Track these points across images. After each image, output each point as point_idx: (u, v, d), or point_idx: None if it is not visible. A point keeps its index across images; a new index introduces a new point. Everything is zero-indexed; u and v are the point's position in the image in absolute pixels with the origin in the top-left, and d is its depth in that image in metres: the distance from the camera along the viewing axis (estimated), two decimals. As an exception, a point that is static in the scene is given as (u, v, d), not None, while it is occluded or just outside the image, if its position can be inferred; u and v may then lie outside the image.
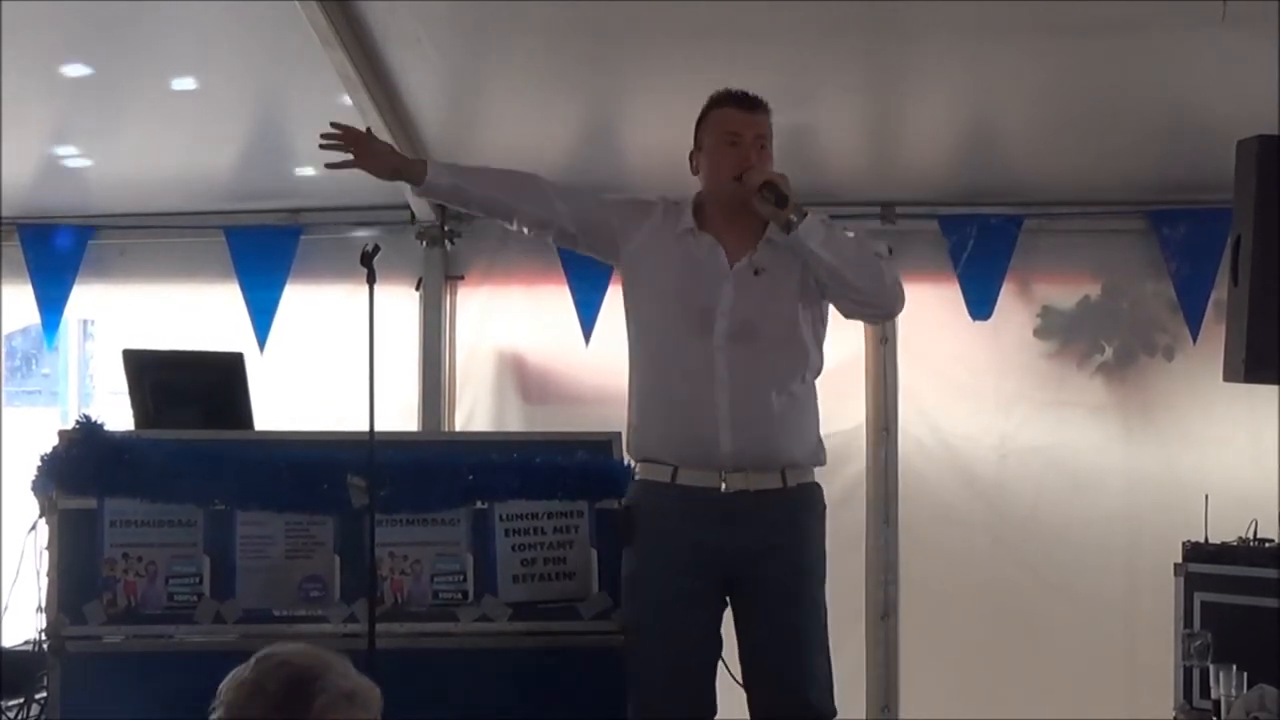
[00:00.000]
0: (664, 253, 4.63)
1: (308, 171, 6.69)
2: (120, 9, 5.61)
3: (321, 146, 4.67)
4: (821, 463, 4.69)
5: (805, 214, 4.45)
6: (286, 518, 5.11)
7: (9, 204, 6.86)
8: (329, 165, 4.78)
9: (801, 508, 4.62)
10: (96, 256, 7.10)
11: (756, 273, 4.56)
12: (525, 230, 4.82)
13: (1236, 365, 5.42)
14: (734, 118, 4.61)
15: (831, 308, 4.65)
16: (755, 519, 4.53)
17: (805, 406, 4.63)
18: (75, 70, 6.05)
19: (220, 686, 2.80)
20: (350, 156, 4.66)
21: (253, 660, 2.81)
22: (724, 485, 4.53)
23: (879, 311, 4.86)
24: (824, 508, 4.69)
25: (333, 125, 4.66)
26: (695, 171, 4.70)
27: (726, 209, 4.59)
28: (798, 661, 4.58)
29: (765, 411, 4.52)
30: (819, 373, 4.67)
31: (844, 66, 6.08)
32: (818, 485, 4.68)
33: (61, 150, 6.73)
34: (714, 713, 4.66)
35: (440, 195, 4.97)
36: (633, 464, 4.77)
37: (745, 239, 4.59)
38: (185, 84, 6.13)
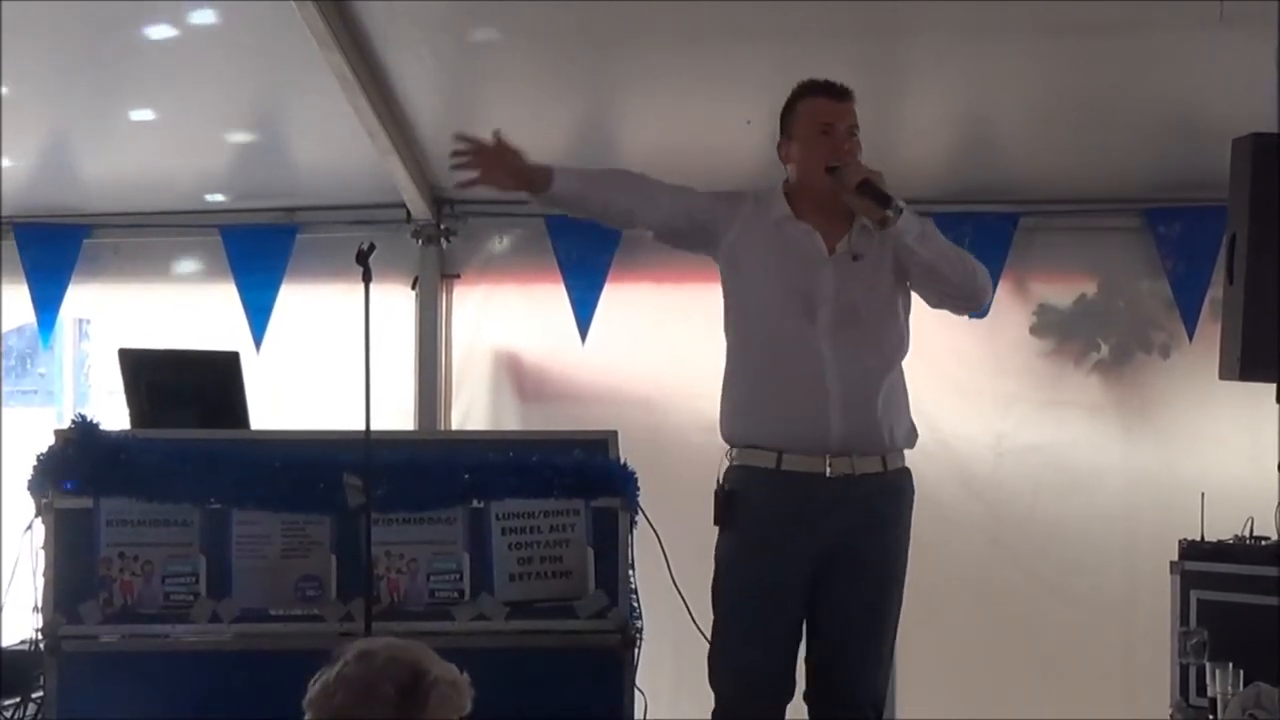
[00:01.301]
0: (763, 241, 4.65)
1: (305, 170, 6.70)
2: (120, 8, 5.61)
3: (452, 167, 4.65)
4: (913, 445, 4.83)
5: (901, 210, 4.52)
6: (283, 517, 5.11)
7: (5, 204, 6.85)
8: (459, 185, 4.78)
9: (897, 492, 4.76)
10: (92, 255, 7.10)
11: (855, 258, 4.62)
12: (646, 232, 4.86)
13: (1232, 363, 5.42)
14: (826, 107, 4.66)
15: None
16: (857, 502, 4.62)
17: (903, 389, 4.78)
18: (72, 68, 6.04)
19: (313, 688, 2.77)
20: (476, 175, 4.65)
21: (349, 659, 2.78)
22: (829, 469, 4.58)
23: (970, 304, 4.92)
24: (914, 493, 4.80)
25: (458, 139, 4.64)
26: (786, 160, 4.71)
27: (821, 197, 4.63)
28: (875, 644, 4.72)
29: (873, 395, 4.62)
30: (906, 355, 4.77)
31: (839, 66, 6.03)
32: (909, 470, 4.81)
33: (58, 150, 6.73)
34: (791, 697, 4.73)
35: (564, 204, 4.94)
36: (730, 449, 4.73)
37: (838, 225, 4.62)
38: (185, 84, 6.12)
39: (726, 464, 4.70)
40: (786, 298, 4.60)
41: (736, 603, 4.68)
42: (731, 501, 4.68)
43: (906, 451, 4.79)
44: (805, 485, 4.57)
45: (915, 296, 4.76)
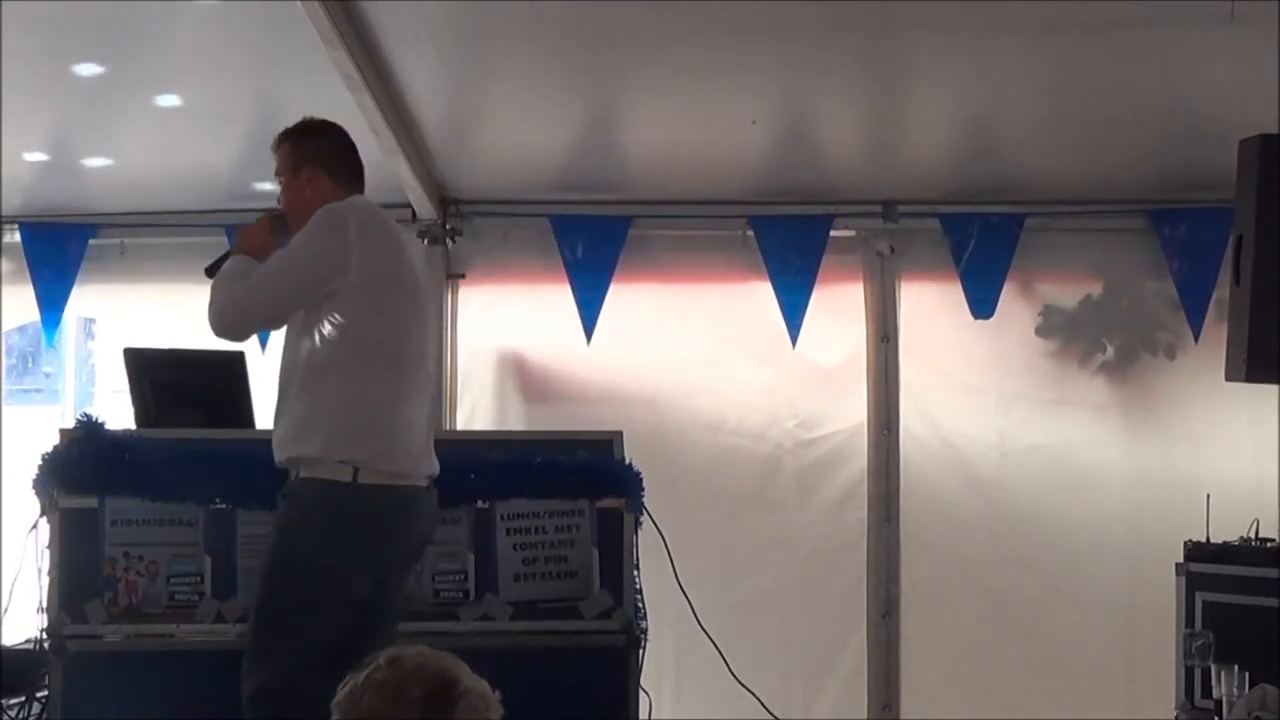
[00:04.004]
0: None
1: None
2: (124, 8, 5.61)
3: None
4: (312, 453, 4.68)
5: None
6: (287, 517, 5.10)
7: (10, 203, 6.85)
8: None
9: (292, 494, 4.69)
10: (97, 255, 7.09)
11: None
12: None
13: (1238, 364, 5.41)
14: None
15: None
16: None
17: (310, 403, 4.69)
18: (80, 69, 6.03)
19: (340, 690, 2.77)
20: None
21: (378, 663, 2.78)
22: None
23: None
24: (310, 497, 4.63)
25: None
26: (311, 186, 4.79)
27: None
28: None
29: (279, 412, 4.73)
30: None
31: (845, 65, 6.08)
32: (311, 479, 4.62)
33: (63, 149, 6.73)
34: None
35: None
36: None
37: None
38: (188, 83, 6.12)
39: None
40: None
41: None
42: None
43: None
44: None
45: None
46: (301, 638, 4.50)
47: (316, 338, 4.57)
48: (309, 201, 4.73)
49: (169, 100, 6.30)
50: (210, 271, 4.85)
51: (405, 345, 4.68)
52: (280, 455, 4.64)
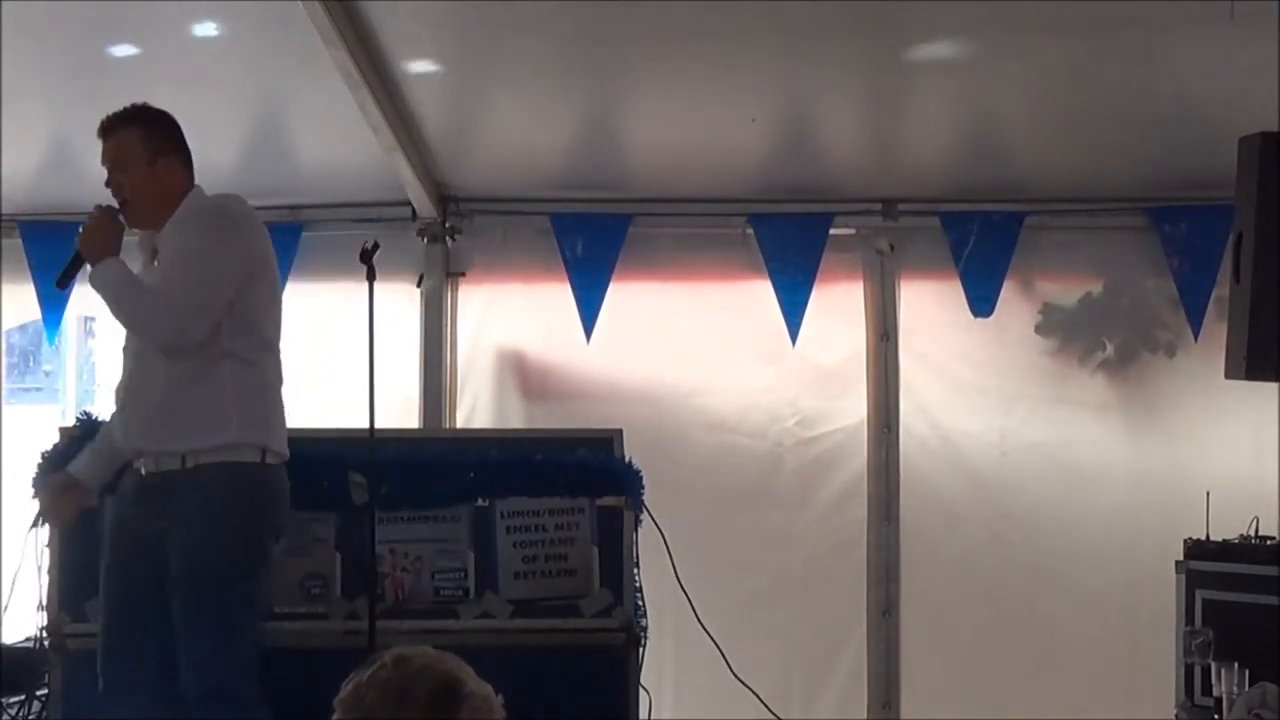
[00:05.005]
0: None
1: (310, 168, 6.69)
2: (125, 7, 5.61)
3: None
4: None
5: None
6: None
7: (11, 200, 6.85)
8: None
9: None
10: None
11: None
12: None
13: (1238, 362, 5.42)
14: None
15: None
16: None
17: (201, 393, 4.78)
18: (80, 67, 6.04)
19: (344, 687, 2.77)
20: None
21: (383, 662, 2.79)
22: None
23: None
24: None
25: None
26: (169, 176, 4.84)
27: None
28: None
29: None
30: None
31: (845, 65, 6.08)
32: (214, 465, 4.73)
33: (63, 146, 6.72)
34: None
35: None
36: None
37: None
38: (188, 81, 6.11)
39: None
40: None
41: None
42: None
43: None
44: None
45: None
46: (247, 627, 4.62)
47: (220, 330, 4.65)
48: (163, 193, 4.77)
49: (171, 98, 6.28)
50: (62, 281, 4.93)
51: (280, 333, 4.88)
52: (177, 444, 4.64)
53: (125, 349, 4.82)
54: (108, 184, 4.82)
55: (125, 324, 4.75)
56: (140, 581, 4.68)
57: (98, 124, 4.84)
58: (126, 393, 4.79)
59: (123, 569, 4.73)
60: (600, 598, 5.29)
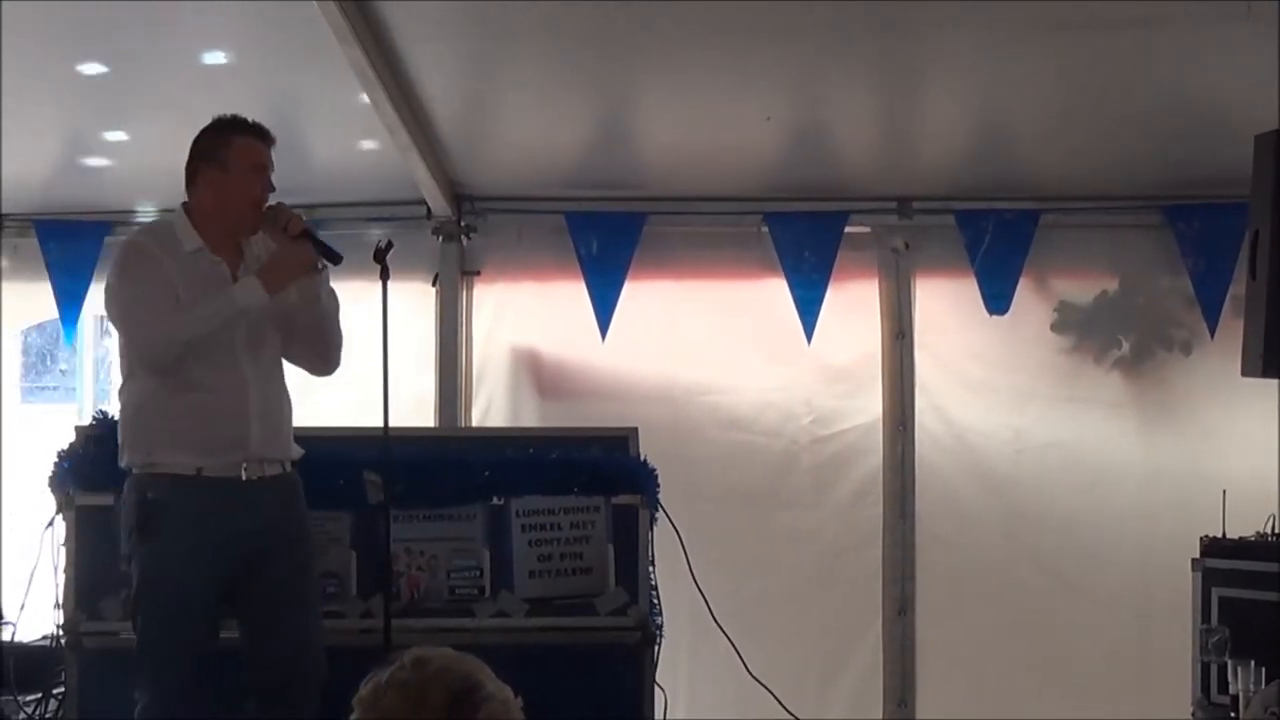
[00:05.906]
0: (180, 273, 4.81)
1: (324, 166, 6.70)
2: (137, 8, 5.62)
3: None
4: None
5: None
6: (302, 513, 5.11)
7: (28, 201, 6.86)
8: None
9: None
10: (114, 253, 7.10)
11: None
12: None
13: (1255, 360, 5.41)
14: (260, 149, 4.88)
15: None
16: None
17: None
18: (92, 68, 6.04)
19: (363, 687, 2.78)
20: None
21: (402, 663, 2.79)
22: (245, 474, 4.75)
23: (328, 367, 5.07)
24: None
25: None
26: (204, 187, 4.91)
27: (232, 227, 4.90)
28: None
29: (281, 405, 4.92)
30: None
31: (860, 63, 6.07)
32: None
33: (79, 148, 6.74)
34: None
35: None
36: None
37: (232, 253, 4.89)
38: (202, 82, 6.12)
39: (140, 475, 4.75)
40: None
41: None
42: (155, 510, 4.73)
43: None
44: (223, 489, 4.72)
45: None
46: None
47: None
48: None
49: (183, 98, 6.30)
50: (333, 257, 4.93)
51: None
52: (293, 451, 4.86)
53: (243, 361, 4.81)
54: (271, 189, 4.89)
55: (329, 344, 4.93)
56: (221, 582, 4.73)
57: (257, 126, 4.90)
58: (264, 401, 4.81)
59: (211, 568, 4.71)
60: (615, 596, 5.29)
